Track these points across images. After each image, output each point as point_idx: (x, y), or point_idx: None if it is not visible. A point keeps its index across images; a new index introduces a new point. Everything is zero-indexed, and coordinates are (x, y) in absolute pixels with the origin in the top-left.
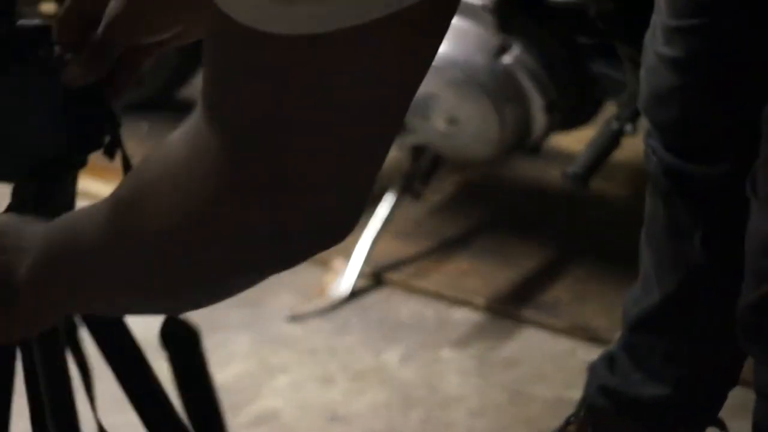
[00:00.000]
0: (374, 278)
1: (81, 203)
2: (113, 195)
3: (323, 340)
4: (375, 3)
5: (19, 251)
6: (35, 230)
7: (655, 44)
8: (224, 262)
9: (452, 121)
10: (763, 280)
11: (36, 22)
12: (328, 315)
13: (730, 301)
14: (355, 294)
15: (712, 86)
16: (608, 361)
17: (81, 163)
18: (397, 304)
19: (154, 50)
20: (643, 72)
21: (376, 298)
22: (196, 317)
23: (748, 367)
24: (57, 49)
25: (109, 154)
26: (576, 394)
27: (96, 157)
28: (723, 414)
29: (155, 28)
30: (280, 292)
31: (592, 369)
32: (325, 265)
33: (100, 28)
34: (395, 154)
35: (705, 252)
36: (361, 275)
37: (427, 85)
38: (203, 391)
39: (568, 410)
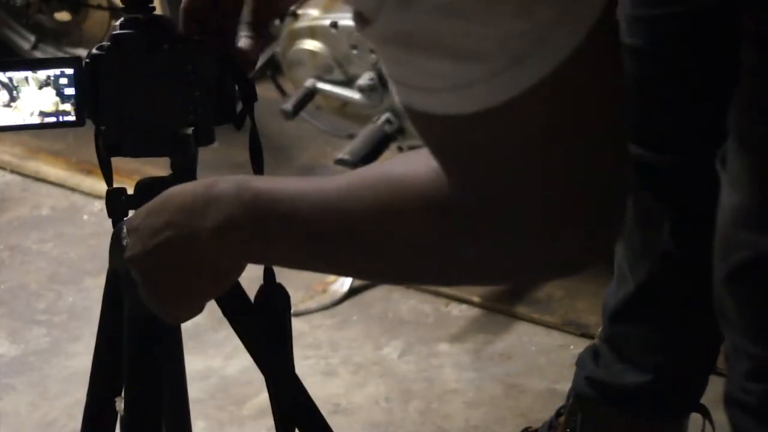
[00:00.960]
0: None
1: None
2: (348, 182)
3: (326, 335)
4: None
5: (206, 211)
6: (227, 195)
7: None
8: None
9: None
10: (733, 250)
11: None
12: (330, 311)
13: (700, 288)
14: (356, 291)
15: (673, 75)
16: (593, 353)
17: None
18: (397, 301)
19: (276, 13)
20: None
21: (376, 295)
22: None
23: None
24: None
25: (238, 124)
26: (568, 386)
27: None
28: (706, 405)
29: None
30: None
31: (579, 361)
32: None
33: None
34: (394, 156)
35: (674, 240)
36: None
37: None
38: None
39: (560, 402)
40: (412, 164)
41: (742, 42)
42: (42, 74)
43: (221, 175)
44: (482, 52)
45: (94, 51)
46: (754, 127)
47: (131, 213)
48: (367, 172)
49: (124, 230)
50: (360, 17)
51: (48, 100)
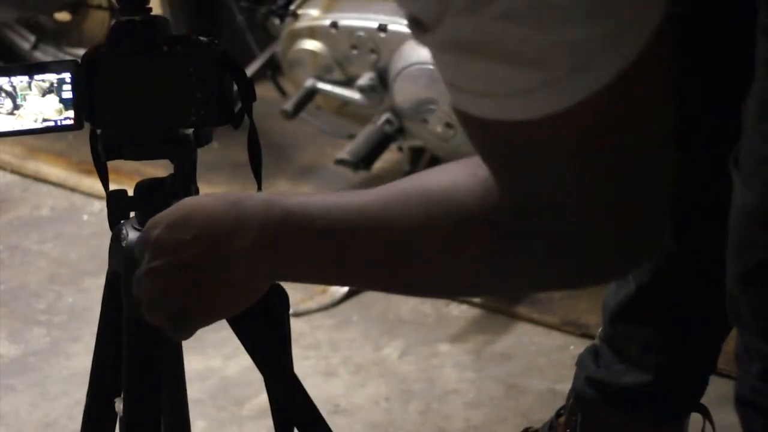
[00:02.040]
0: None
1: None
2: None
3: (326, 336)
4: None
5: (236, 230)
6: (253, 209)
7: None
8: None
9: (449, 125)
10: (747, 249)
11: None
12: (330, 311)
13: (702, 288)
14: (355, 291)
15: (684, 73)
16: (593, 353)
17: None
18: (397, 301)
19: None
20: None
21: (376, 296)
22: None
23: (729, 357)
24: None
25: (236, 123)
26: (567, 386)
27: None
28: (707, 405)
29: None
30: None
31: (580, 362)
32: None
33: None
34: (395, 156)
35: (677, 240)
36: None
37: (426, 91)
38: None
39: (560, 402)
40: (451, 175)
41: (758, 39)
42: (45, 82)
43: (221, 175)
44: (544, 59)
45: (89, 53)
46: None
47: (132, 215)
48: (403, 184)
49: (135, 237)
50: (417, 23)
51: (51, 107)
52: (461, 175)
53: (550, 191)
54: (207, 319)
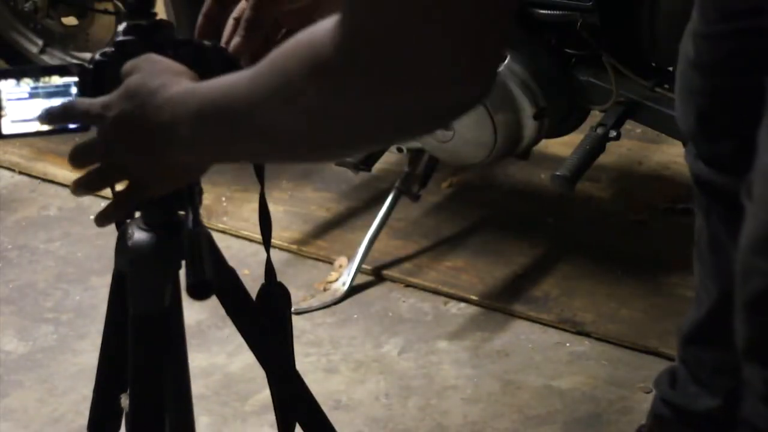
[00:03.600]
0: (374, 275)
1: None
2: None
3: (326, 333)
4: None
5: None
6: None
7: (687, 49)
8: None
9: (448, 127)
10: (750, 277)
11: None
12: (331, 309)
13: None
14: (356, 290)
15: (735, 91)
16: (670, 375)
17: None
18: (396, 299)
19: (271, 12)
20: (677, 79)
21: (376, 294)
22: (206, 311)
23: None
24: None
25: None
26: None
27: None
28: None
29: None
30: None
31: (657, 382)
32: (328, 263)
33: (249, 8)
34: (394, 157)
35: None
36: (362, 272)
37: None
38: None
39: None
40: (310, 29)
41: None
42: (51, 85)
43: (224, 176)
44: None
45: (97, 57)
46: None
47: (137, 215)
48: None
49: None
50: None
51: None
52: (318, 26)
53: (380, 23)
54: (154, 165)
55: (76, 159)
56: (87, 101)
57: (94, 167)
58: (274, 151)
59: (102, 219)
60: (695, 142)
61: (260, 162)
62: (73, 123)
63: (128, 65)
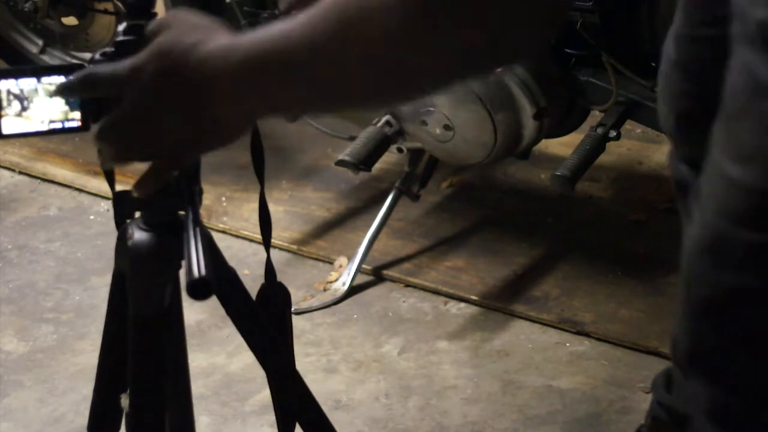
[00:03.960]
0: (375, 275)
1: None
2: (314, 17)
3: (327, 333)
4: None
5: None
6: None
7: (669, 50)
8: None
9: (448, 127)
10: (695, 283)
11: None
12: (331, 309)
13: None
14: (356, 290)
15: (715, 94)
16: (666, 377)
17: None
18: (397, 299)
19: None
20: (659, 80)
21: (376, 294)
22: (206, 311)
23: None
24: None
25: None
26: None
27: None
28: None
29: None
30: None
31: (653, 385)
32: (328, 263)
33: None
34: (395, 158)
35: None
36: (362, 272)
37: None
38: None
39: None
40: None
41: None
42: (52, 85)
43: (225, 176)
44: None
45: (97, 57)
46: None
47: (137, 215)
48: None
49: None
50: None
51: (57, 109)
52: None
53: None
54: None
55: (102, 137)
56: (109, 66)
57: (125, 142)
58: (330, 97)
59: (140, 187)
60: (676, 144)
61: (310, 111)
62: (96, 92)
63: (154, 24)
